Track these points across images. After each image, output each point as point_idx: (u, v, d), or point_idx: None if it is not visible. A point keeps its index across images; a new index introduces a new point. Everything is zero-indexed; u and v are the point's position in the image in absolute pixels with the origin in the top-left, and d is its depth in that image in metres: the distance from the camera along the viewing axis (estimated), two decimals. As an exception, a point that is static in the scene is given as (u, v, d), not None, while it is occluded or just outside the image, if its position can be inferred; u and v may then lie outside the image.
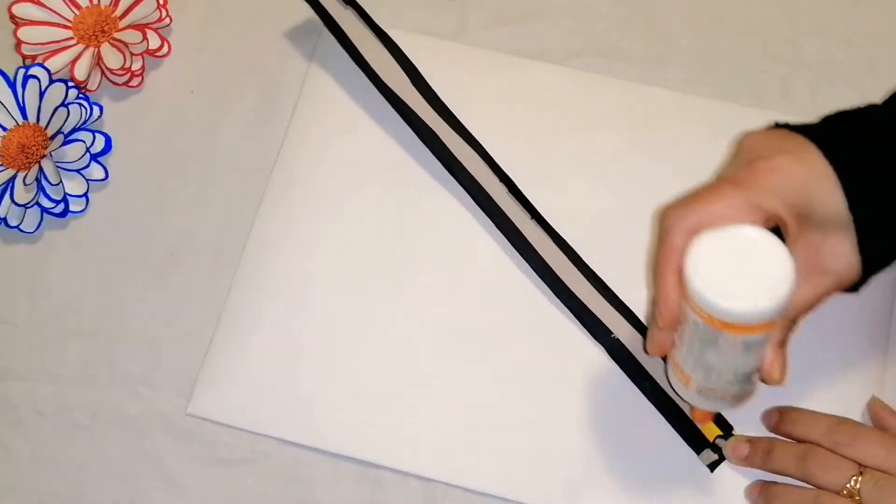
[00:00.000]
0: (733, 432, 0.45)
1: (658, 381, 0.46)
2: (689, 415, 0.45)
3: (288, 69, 0.55)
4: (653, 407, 0.46)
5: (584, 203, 0.50)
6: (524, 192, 0.50)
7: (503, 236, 0.49)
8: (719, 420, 0.45)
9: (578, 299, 0.48)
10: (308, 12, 0.55)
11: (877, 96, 0.52)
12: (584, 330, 0.47)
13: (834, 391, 0.46)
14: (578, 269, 0.48)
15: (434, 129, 0.50)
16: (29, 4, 0.55)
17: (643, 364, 0.46)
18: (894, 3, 0.55)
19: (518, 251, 0.49)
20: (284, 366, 0.48)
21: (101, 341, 0.50)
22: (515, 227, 0.49)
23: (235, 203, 0.52)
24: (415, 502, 0.46)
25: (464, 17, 0.56)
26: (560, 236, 0.49)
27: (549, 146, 0.51)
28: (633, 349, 0.47)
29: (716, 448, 0.45)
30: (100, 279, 0.51)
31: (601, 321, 0.47)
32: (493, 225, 0.49)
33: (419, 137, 0.50)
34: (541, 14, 0.55)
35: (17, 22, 0.54)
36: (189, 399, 0.48)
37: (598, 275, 0.48)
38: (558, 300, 0.48)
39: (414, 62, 0.52)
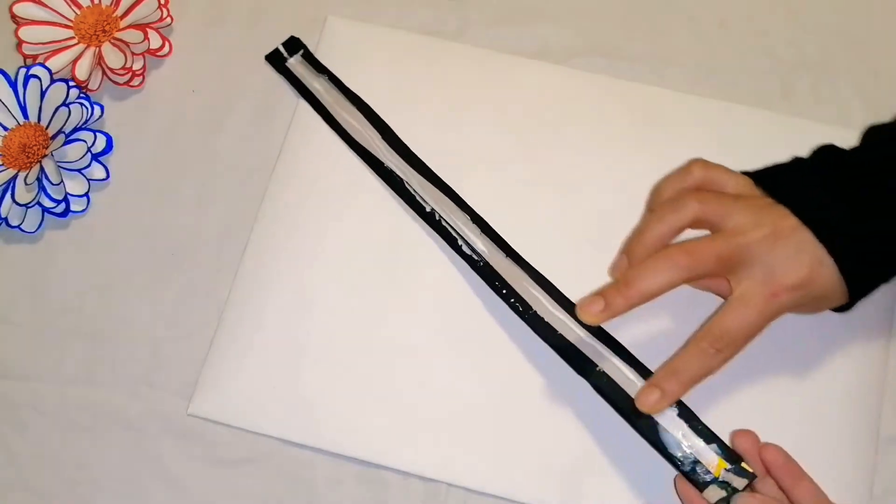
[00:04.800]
0: (742, 464, 0.42)
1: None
2: (677, 459, 0.42)
3: (289, 69, 0.55)
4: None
5: (584, 203, 0.50)
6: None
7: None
8: (726, 452, 0.42)
9: (561, 336, 0.46)
10: (309, 13, 0.56)
11: (877, 96, 0.53)
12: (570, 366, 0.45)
13: (834, 393, 0.46)
14: (558, 303, 0.47)
15: (408, 182, 0.50)
16: (30, 4, 0.54)
17: (633, 397, 0.43)
18: (894, 3, 0.55)
19: (495, 292, 0.47)
20: (286, 366, 0.48)
21: (102, 341, 0.50)
22: (492, 268, 0.48)
23: (237, 203, 0.52)
24: (417, 503, 0.46)
25: (464, 17, 0.56)
26: (537, 271, 0.48)
27: (550, 146, 0.52)
28: (622, 383, 0.44)
29: (723, 484, 0.41)
30: (101, 279, 0.51)
31: (585, 356, 0.45)
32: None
33: (395, 192, 0.50)
34: (542, 14, 0.55)
35: (18, 21, 0.54)
36: (190, 399, 0.48)
37: (596, 276, 0.48)
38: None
39: (414, 62, 0.52)
